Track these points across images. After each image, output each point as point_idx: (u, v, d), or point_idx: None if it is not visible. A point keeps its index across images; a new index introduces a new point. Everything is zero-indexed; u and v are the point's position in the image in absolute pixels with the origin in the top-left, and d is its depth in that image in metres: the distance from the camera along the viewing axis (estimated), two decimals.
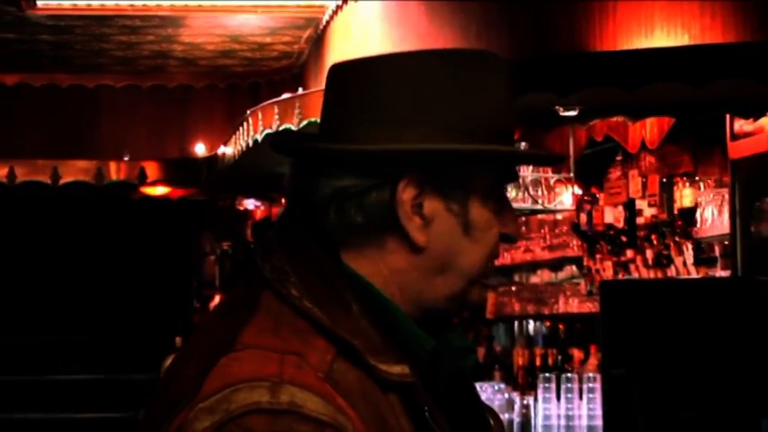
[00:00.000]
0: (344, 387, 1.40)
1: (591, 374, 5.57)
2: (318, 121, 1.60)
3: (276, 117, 6.83)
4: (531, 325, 9.93)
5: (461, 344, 1.59)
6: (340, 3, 7.06)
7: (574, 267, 9.44)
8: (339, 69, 1.56)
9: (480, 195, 1.52)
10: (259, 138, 7.05)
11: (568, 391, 5.32)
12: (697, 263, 7.79)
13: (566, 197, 6.65)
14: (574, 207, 8.18)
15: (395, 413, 1.45)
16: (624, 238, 8.56)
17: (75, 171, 9.91)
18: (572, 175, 6.72)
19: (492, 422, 1.62)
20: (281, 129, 6.76)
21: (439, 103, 1.50)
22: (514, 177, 1.61)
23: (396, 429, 1.44)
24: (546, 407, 5.33)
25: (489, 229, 1.53)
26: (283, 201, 1.58)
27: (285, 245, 1.51)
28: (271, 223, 10.18)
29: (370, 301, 1.48)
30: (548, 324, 9.68)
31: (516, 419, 5.44)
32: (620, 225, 8.57)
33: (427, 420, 1.48)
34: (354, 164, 1.48)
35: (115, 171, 9.98)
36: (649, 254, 8.26)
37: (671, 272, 7.99)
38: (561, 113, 5.92)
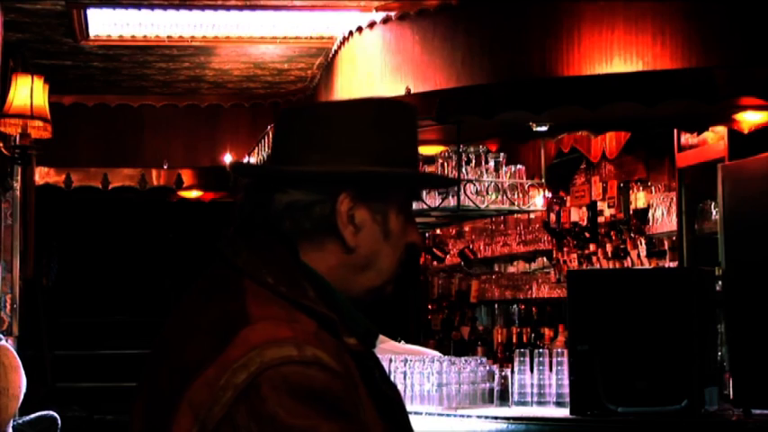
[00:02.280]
0: (329, 350, 1.49)
1: (559, 350, 5.55)
2: None
3: None
4: (509, 308, 9.91)
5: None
6: (347, 35, 7.04)
7: (545, 259, 9.43)
8: (287, 112, 1.70)
9: (396, 209, 1.65)
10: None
11: (540, 363, 5.30)
12: (649, 255, 7.78)
13: (538, 199, 6.63)
14: (545, 208, 8.17)
15: (357, 376, 1.54)
16: (587, 234, 8.55)
17: (122, 177, 9.87)
18: (543, 180, 6.71)
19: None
20: None
21: (365, 137, 1.63)
22: (418, 197, 1.77)
23: (359, 387, 1.53)
24: (521, 377, 5.31)
25: (402, 236, 1.66)
26: (239, 209, 1.70)
27: (252, 244, 1.61)
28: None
29: (321, 289, 1.59)
30: (522, 307, 9.67)
31: (496, 388, 5.43)
32: (584, 223, 8.56)
33: (377, 381, 1.59)
34: (303, 183, 1.61)
35: (156, 177, 9.94)
36: (609, 248, 8.25)
37: (627, 263, 7.98)
38: (534, 128, 5.91)
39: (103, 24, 7.51)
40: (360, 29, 6.72)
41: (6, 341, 6.54)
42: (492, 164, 6.27)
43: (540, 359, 5.31)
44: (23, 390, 6.19)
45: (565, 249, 8.86)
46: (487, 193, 6.17)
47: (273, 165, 1.66)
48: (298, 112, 1.67)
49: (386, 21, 6.38)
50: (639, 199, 7.83)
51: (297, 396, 1.41)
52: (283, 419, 1.40)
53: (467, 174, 6.14)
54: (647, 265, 7.67)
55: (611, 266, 8.03)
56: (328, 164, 1.60)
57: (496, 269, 10.28)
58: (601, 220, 8.37)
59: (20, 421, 6.50)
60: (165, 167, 9.92)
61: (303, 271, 1.59)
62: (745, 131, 5.89)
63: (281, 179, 1.62)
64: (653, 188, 7.73)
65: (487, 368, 5.56)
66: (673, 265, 7.24)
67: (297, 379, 1.42)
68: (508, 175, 6.27)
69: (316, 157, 1.61)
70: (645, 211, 7.71)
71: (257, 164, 1.87)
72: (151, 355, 1.61)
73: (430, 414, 5.13)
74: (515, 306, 9.74)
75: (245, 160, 8.90)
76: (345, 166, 1.60)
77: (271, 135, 7.27)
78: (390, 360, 5.36)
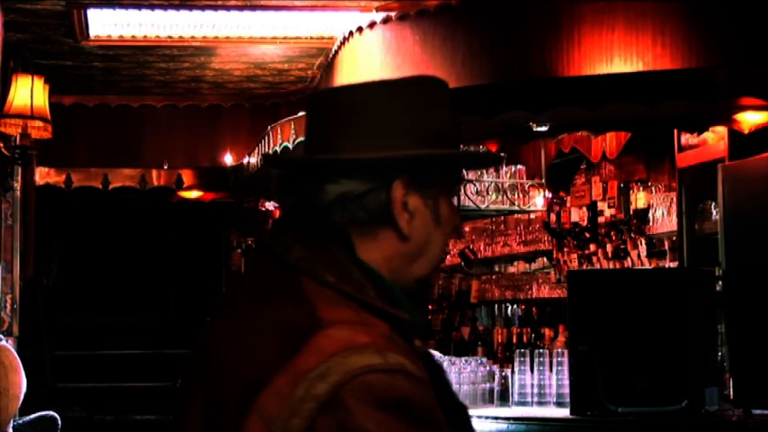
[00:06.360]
0: (407, 355, 1.40)
1: (560, 350, 5.56)
2: None
3: (293, 132, 6.82)
4: (509, 308, 9.91)
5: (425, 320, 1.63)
6: (347, 35, 7.04)
7: (545, 259, 9.42)
8: (320, 97, 1.60)
9: (445, 193, 1.58)
10: (278, 149, 7.04)
11: (540, 364, 5.30)
12: (649, 255, 7.78)
13: (538, 200, 6.65)
14: (545, 208, 8.18)
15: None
16: (588, 235, 8.55)
17: (122, 178, 9.88)
18: (543, 181, 6.72)
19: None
20: (296, 142, 6.75)
21: (408, 118, 1.54)
22: (462, 179, 1.68)
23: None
24: (521, 377, 5.32)
25: (450, 221, 1.58)
26: (276, 204, 1.59)
27: (302, 238, 1.51)
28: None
29: (379, 286, 1.50)
30: (523, 307, 9.66)
31: (497, 388, 5.43)
32: (585, 223, 8.56)
33: (447, 385, 1.52)
34: (357, 171, 1.51)
35: (156, 178, 9.95)
36: (609, 248, 8.25)
37: (627, 263, 7.97)
38: (534, 129, 5.91)
39: (103, 24, 7.51)
40: (360, 29, 6.73)
41: (6, 341, 6.54)
42: None
43: (540, 359, 5.31)
44: (23, 390, 6.19)
45: (565, 249, 8.86)
46: (488, 193, 6.18)
47: (314, 154, 1.56)
48: (333, 97, 1.58)
49: (386, 21, 6.39)
50: (640, 199, 7.83)
51: (383, 407, 1.32)
52: None
53: (467, 174, 6.14)
54: (647, 266, 7.66)
55: (611, 267, 8.03)
56: (380, 150, 1.51)
57: (497, 269, 10.27)
58: (601, 220, 8.37)
59: (20, 421, 6.51)
60: (165, 168, 9.93)
61: (360, 267, 1.50)
62: (745, 131, 5.89)
63: (330, 169, 1.52)
64: (653, 188, 7.73)
65: (487, 368, 5.57)
66: (673, 265, 7.24)
67: (383, 388, 1.33)
68: (508, 175, 6.28)
69: (365, 143, 1.52)
70: (645, 211, 7.71)
71: (304, 156, 1.66)
72: (199, 357, 1.49)
73: None
74: (516, 306, 9.74)
75: (245, 161, 8.92)
76: (399, 151, 1.52)
77: (271, 135, 7.27)
78: None
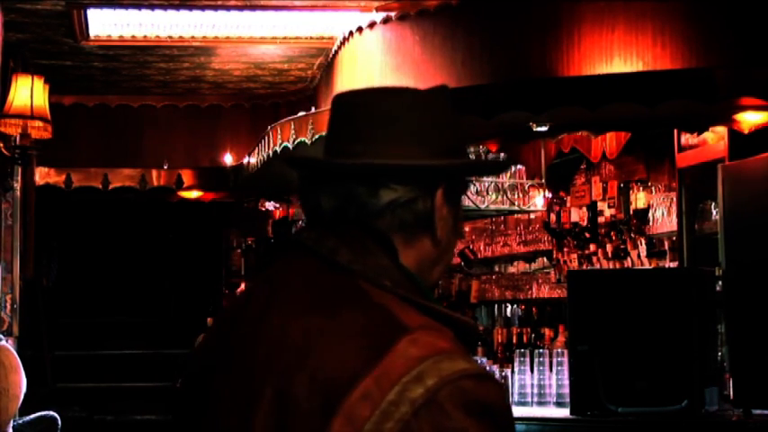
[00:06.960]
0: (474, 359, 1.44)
1: (560, 350, 5.55)
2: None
3: (292, 132, 6.82)
4: (509, 308, 9.90)
5: None
6: (347, 35, 7.04)
7: (545, 259, 9.43)
8: (355, 99, 1.58)
9: (460, 200, 1.62)
10: (278, 149, 7.04)
11: (540, 364, 5.30)
12: (649, 255, 7.78)
13: (538, 200, 6.64)
14: (545, 208, 8.19)
15: None
16: (588, 235, 8.55)
17: (122, 178, 9.88)
18: (543, 181, 6.72)
19: None
20: (296, 142, 6.74)
21: (443, 128, 1.57)
22: (469, 186, 1.71)
23: None
24: (521, 377, 5.32)
25: (462, 227, 1.61)
26: (299, 203, 1.58)
27: (346, 241, 1.51)
28: (290, 222, 10.16)
29: (419, 290, 1.51)
30: (523, 307, 9.66)
31: None
32: (584, 223, 8.56)
33: None
34: (409, 178, 1.53)
35: (156, 178, 9.95)
36: (609, 248, 8.25)
37: (627, 263, 7.98)
38: (534, 129, 5.91)
39: (103, 24, 7.51)
40: (360, 29, 6.73)
41: (6, 341, 6.54)
42: None
43: (540, 359, 5.31)
44: (23, 390, 6.19)
45: (565, 249, 8.86)
46: (487, 193, 6.17)
47: (352, 158, 1.53)
48: (368, 102, 1.57)
49: (386, 21, 6.39)
50: (640, 199, 7.83)
51: (474, 412, 1.35)
52: None
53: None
54: (647, 266, 7.66)
55: (611, 267, 8.02)
56: (424, 158, 1.53)
57: (497, 269, 10.27)
58: (601, 220, 8.37)
59: (20, 422, 6.51)
60: (165, 168, 9.93)
61: (402, 271, 1.51)
62: (745, 131, 5.89)
63: (384, 174, 1.52)
64: (653, 188, 7.73)
65: (488, 368, 5.56)
66: (673, 265, 7.24)
67: (475, 394, 1.36)
68: (508, 175, 6.28)
69: (412, 151, 1.53)
70: (645, 211, 7.71)
71: (332, 158, 1.63)
72: (259, 355, 1.44)
73: None
74: (515, 306, 9.73)
75: (245, 161, 8.91)
76: (442, 160, 1.55)
77: (271, 135, 7.27)
78: None
